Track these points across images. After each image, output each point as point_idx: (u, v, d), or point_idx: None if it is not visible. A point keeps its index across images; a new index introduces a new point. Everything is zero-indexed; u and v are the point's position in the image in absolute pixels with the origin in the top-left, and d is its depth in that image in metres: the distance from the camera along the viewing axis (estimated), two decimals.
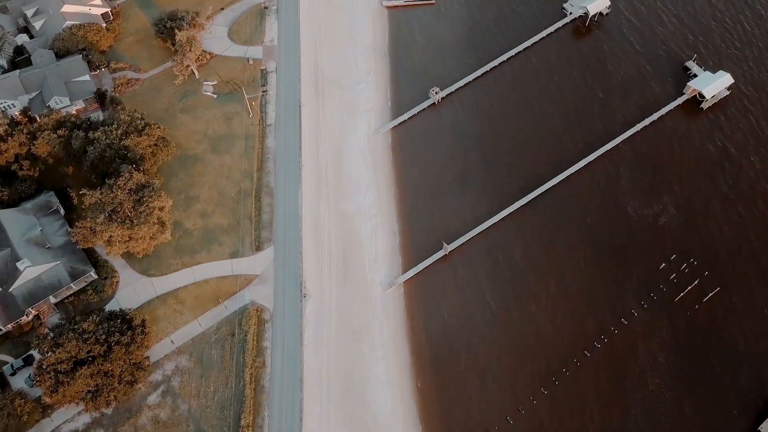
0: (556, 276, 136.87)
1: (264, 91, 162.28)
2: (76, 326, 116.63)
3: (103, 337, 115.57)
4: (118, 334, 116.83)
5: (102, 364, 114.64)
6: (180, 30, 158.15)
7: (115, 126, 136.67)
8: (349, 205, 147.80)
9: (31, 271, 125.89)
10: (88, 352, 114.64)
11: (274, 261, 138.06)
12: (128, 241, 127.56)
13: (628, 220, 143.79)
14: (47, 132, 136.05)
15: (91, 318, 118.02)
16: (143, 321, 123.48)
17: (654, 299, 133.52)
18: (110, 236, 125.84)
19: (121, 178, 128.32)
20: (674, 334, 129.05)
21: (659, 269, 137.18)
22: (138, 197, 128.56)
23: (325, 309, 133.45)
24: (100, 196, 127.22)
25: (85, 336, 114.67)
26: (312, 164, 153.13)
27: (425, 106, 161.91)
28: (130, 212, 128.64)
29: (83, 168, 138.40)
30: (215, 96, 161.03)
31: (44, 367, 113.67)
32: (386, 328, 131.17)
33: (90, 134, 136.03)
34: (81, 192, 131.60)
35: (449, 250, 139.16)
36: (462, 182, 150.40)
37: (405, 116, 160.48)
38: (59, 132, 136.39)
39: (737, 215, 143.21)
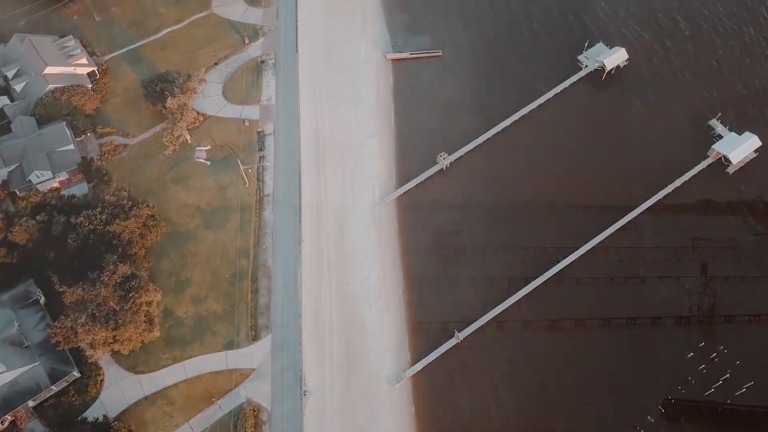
0: (574, 367, 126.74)
1: (261, 157, 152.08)
2: None
3: None
4: None
5: None
6: (171, 95, 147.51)
7: (99, 210, 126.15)
8: (352, 285, 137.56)
9: (6, 376, 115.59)
10: None
11: (271, 352, 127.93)
12: (113, 343, 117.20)
13: (651, 301, 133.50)
14: (25, 218, 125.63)
15: None
16: None
17: (682, 392, 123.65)
18: (93, 339, 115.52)
19: (105, 272, 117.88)
20: None
21: (687, 358, 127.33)
22: (123, 292, 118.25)
23: (327, 407, 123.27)
24: (81, 293, 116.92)
25: None
26: (312, 239, 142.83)
27: (433, 173, 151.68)
28: (116, 306, 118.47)
29: (65, 252, 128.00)
30: (209, 163, 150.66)
31: None
32: (394, 430, 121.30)
33: (72, 219, 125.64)
34: (61, 290, 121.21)
35: (461, 338, 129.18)
36: (473, 259, 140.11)
37: (411, 184, 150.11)
38: (38, 218, 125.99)
39: None
